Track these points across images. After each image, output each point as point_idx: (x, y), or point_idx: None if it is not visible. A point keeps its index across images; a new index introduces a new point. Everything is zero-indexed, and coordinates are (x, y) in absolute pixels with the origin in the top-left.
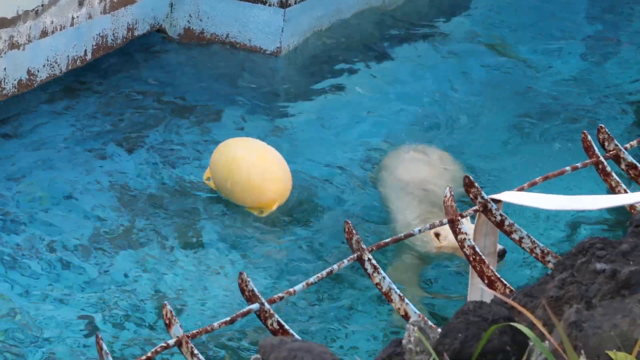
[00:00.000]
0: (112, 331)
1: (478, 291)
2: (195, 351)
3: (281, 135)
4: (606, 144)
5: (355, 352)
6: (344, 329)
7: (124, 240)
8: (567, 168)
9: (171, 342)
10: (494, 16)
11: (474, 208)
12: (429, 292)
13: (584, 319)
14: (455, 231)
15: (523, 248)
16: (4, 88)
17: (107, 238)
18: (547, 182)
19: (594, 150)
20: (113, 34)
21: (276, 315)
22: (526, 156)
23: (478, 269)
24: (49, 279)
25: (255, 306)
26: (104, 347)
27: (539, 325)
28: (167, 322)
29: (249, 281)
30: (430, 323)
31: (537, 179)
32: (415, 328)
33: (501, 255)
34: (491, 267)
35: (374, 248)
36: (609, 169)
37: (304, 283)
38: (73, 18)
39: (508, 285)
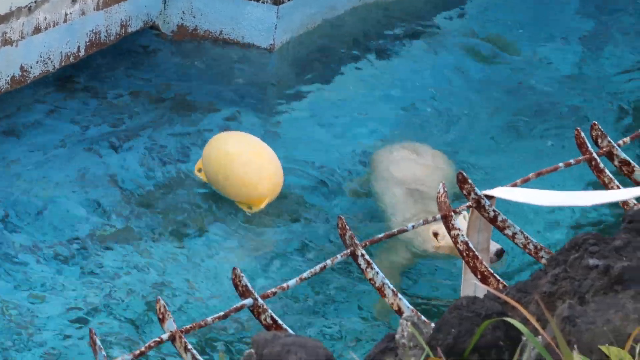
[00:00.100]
0: (105, 326)
1: (471, 286)
2: (189, 346)
3: (274, 131)
4: (599, 140)
5: (348, 347)
6: (337, 324)
7: (117, 235)
8: (560, 164)
9: (165, 337)
10: (489, 13)
11: (467, 204)
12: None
13: (577, 314)
14: (449, 227)
15: (516, 244)
16: None
17: (99, 233)
18: (540, 179)
19: (587, 147)
20: (106, 30)
21: (269, 310)
22: (519, 153)
23: (471, 264)
24: (41, 275)
25: (248, 301)
26: (98, 342)
27: (532, 320)
28: (161, 317)
29: (242, 276)
30: (423, 318)
31: (530, 175)
32: (409, 323)
33: (499, 255)
34: (484, 262)
35: (367, 243)
36: (602, 165)
37: (297, 278)
38: (66, 14)
39: (501, 280)
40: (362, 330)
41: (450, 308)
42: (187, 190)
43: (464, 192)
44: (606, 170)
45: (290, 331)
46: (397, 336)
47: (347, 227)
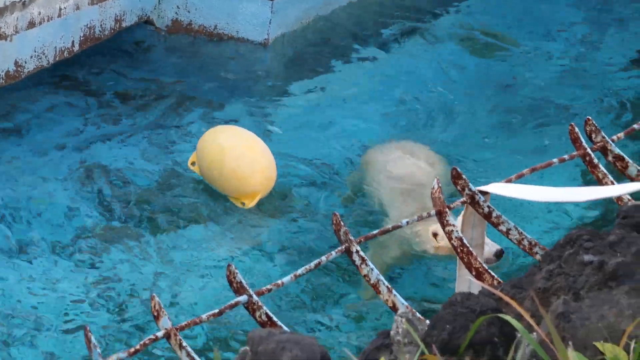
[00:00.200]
0: (100, 324)
1: (466, 283)
2: (184, 343)
3: (267, 127)
4: (593, 136)
5: (343, 343)
6: (332, 321)
7: (110, 233)
8: (554, 160)
9: (159, 334)
10: (484, 9)
11: (462, 200)
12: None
13: (571, 310)
14: (443, 223)
15: (510, 240)
16: None
17: (92, 231)
18: (535, 174)
19: (581, 142)
20: (101, 25)
21: (264, 307)
22: (513, 149)
23: (466, 260)
24: (36, 273)
25: (243, 298)
26: (93, 339)
27: (527, 316)
28: (156, 314)
29: (237, 273)
30: (418, 314)
31: (525, 170)
32: (403, 320)
33: (498, 255)
34: (479, 258)
35: (362, 240)
36: (596, 161)
37: (292, 275)
38: (60, 9)
39: (496, 276)
40: (356, 326)
41: (445, 304)
42: (182, 186)
43: (458, 187)
44: (600, 166)
45: (285, 328)
46: (392, 333)
47: (342, 223)
